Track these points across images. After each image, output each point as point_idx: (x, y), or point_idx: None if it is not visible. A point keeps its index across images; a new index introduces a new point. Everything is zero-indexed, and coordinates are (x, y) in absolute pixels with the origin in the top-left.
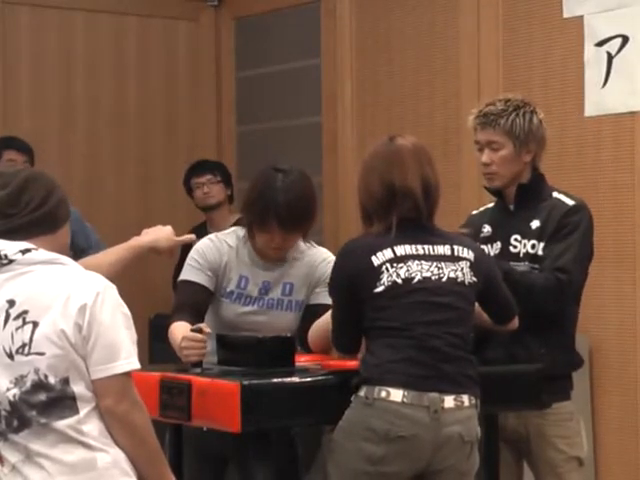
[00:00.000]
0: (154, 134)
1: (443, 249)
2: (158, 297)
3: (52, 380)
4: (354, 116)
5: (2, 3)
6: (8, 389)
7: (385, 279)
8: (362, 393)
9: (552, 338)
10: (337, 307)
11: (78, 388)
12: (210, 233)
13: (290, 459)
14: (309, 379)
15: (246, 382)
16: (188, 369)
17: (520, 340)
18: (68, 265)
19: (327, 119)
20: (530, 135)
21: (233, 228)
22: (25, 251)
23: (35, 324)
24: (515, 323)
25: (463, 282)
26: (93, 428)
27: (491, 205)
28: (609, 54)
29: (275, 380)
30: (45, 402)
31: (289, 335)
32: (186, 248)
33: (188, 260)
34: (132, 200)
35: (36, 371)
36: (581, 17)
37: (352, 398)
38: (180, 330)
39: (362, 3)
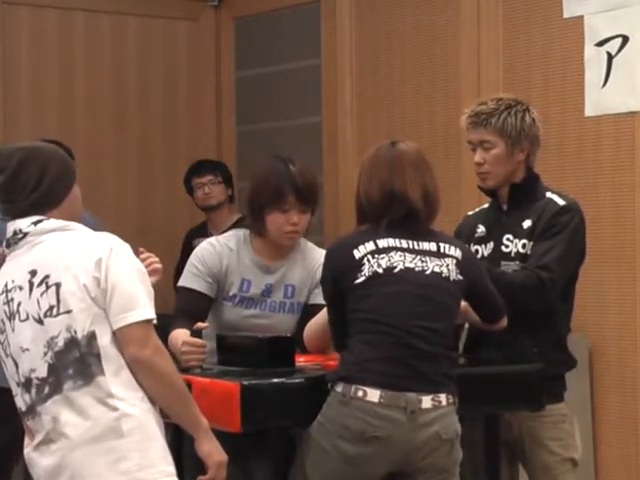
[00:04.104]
0: (154, 134)
1: (428, 245)
2: (158, 298)
3: (79, 335)
4: (354, 116)
5: (2, 3)
6: (45, 353)
7: (366, 270)
8: (339, 389)
9: (544, 338)
10: (328, 306)
11: (103, 343)
12: (210, 233)
13: (289, 459)
14: (309, 379)
15: (246, 382)
16: (188, 369)
17: (513, 340)
18: (79, 230)
19: (327, 119)
20: (522, 133)
21: (234, 230)
22: (37, 222)
23: (58, 285)
24: (504, 322)
25: (448, 278)
26: (118, 391)
27: (486, 205)
28: (609, 54)
29: (275, 380)
30: (78, 359)
31: (289, 335)
32: (185, 250)
33: (188, 265)
34: (132, 200)
35: (68, 328)
36: (581, 17)
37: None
38: (180, 335)
39: (362, 3)
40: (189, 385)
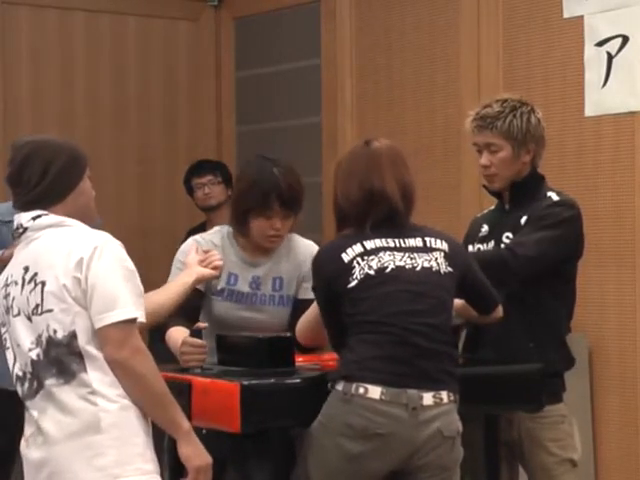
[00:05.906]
0: (154, 134)
1: (414, 241)
2: None
3: (60, 335)
4: (354, 116)
5: (2, 3)
6: (30, 349)
7: (357, 273)
8: (340, 388)
9: (542, 334)
10: (322, 310)
11: (84, 343)
12: None
13: (289, 459)
14: (308, 379)
15: (246, 382)
16: (188, 369)
17: (510, 338)
18: (74, 226)
19: (327, 119)
20: (528, 135)
21: (218, 227)
22: (36, 217)
23: (43, 284)
24: (499, 312)
25: (438, 271)
26: (101, 387)
27: (493, 207)
28: (609, 54)
29: (275, 380)
30: (59, 358)
31: (289, 335)
32: None
33: (175, 262)
34: (132, 200)
35: (47, 328)
36: (581, 17)
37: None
38: (179, 334)
39: (362, 3)
40: (190, 385)
